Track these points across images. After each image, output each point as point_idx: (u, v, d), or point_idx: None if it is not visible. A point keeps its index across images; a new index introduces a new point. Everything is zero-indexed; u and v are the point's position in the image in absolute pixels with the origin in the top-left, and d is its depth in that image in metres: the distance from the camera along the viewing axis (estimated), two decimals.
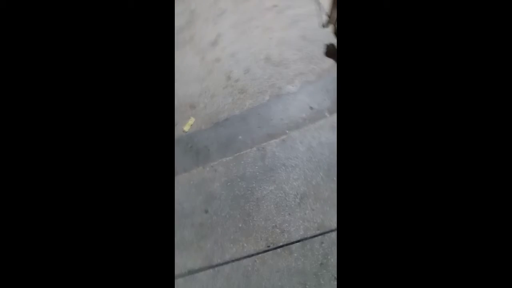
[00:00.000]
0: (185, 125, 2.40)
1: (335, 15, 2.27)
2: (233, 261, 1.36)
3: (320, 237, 1.32)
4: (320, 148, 1.60)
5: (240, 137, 1.94)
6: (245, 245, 1.43)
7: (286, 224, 1.42)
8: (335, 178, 1.47)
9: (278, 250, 1.36)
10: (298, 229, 1.38)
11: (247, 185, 1.61)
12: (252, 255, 1.38)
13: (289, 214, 1.45)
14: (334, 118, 1.73)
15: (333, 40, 2.37)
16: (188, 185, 1.77)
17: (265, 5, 3.11)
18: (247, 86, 2.56)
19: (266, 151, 1.73)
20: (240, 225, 1.49)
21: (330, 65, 2.27)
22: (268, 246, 1.39)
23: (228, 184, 1.66)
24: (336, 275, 1.18)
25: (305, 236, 1.35)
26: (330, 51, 2.34)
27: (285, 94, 2.25)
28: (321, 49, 2.41)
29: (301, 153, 1.63)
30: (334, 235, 1.30)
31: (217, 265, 1.37)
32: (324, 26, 2.38)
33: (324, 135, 1.65)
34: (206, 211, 1.59)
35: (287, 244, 1.37)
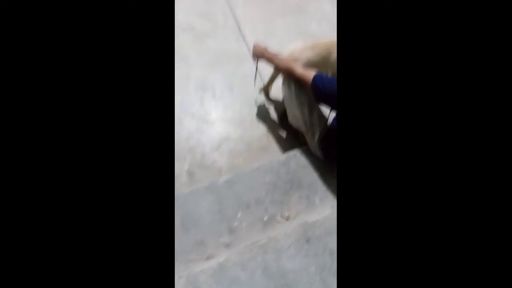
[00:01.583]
0: None
1: (268, 89, 2.00)
2: None
3: None
4: (264, 279, 1.31)
5: None
6: None
7: None
8: None
9: None
10: None
11: None
12: None
13: None
14: (274, 232, 1.47)
15: (265, 101, 2.06)
16: None
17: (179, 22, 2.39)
18: None
19: (195, 280, 1.27)
20: None
21: (261, 134, 1.98)
22: None
23: None
24: None
25: None
26: (262, 114, 2.04)
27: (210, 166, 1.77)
28: (253, 110, 2.05)
29: (242, 284, 1.29)
30: None
31: None
32: (259, 92, 2.04)
33: (268, 258, 1.37)
34: None
35: None
